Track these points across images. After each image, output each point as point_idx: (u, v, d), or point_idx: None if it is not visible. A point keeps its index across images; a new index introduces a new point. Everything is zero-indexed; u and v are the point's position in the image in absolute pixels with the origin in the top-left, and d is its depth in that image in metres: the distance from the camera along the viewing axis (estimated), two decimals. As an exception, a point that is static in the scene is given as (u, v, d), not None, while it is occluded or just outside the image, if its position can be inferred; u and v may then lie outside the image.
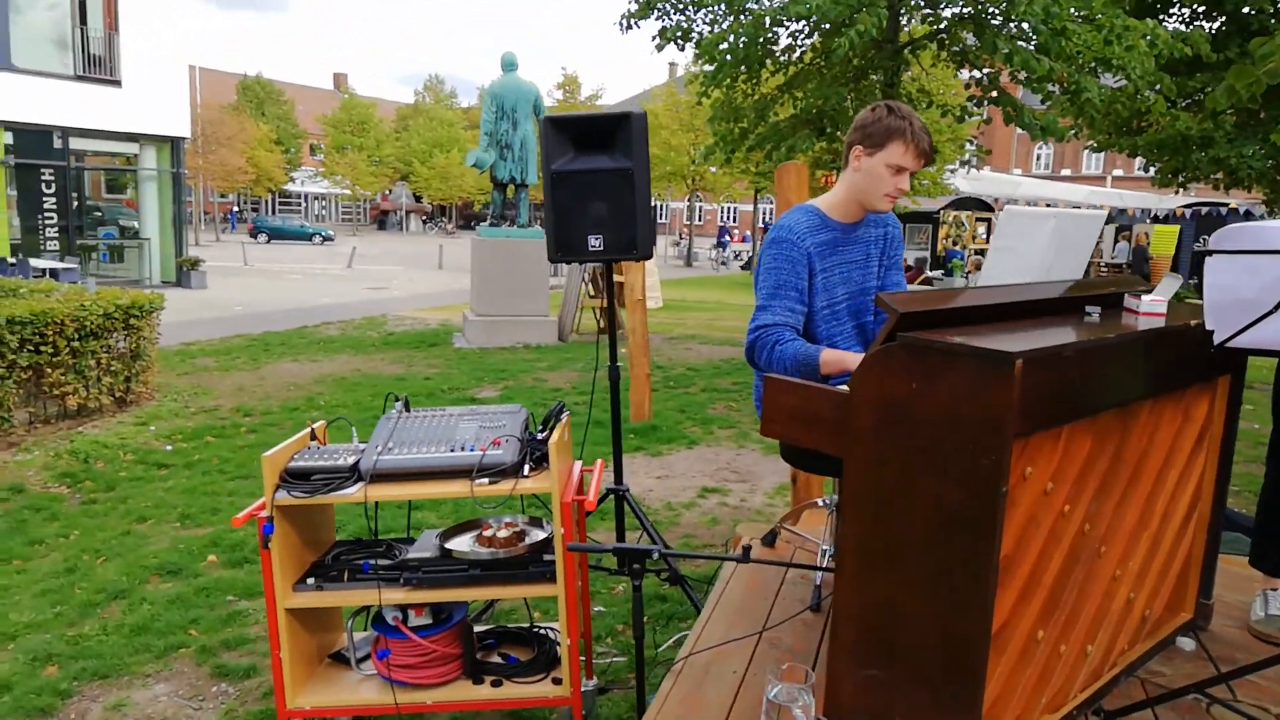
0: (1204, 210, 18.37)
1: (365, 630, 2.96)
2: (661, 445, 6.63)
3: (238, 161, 37.46)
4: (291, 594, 2.63)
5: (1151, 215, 20.83)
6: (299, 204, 58.83)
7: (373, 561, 2.72)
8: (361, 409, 7.91)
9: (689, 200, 34.19)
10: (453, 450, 2.66)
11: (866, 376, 1.72)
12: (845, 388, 1.79)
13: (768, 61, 8.90)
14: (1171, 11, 9.70)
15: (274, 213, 54.23)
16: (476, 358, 10.98)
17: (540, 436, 2.74)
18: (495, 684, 2.69)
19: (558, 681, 2.69)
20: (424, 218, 62.18)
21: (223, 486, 5.68)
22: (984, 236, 21.13)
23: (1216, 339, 1.92)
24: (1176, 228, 20.24)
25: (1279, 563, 2.54)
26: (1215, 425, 2.34)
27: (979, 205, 22.18)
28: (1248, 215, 15.73)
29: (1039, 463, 1.69)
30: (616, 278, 14.16)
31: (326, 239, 42.22)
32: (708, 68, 8.54)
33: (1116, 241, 22.22)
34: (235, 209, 52.46)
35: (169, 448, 6.59)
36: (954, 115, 8.85)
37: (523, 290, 12.22)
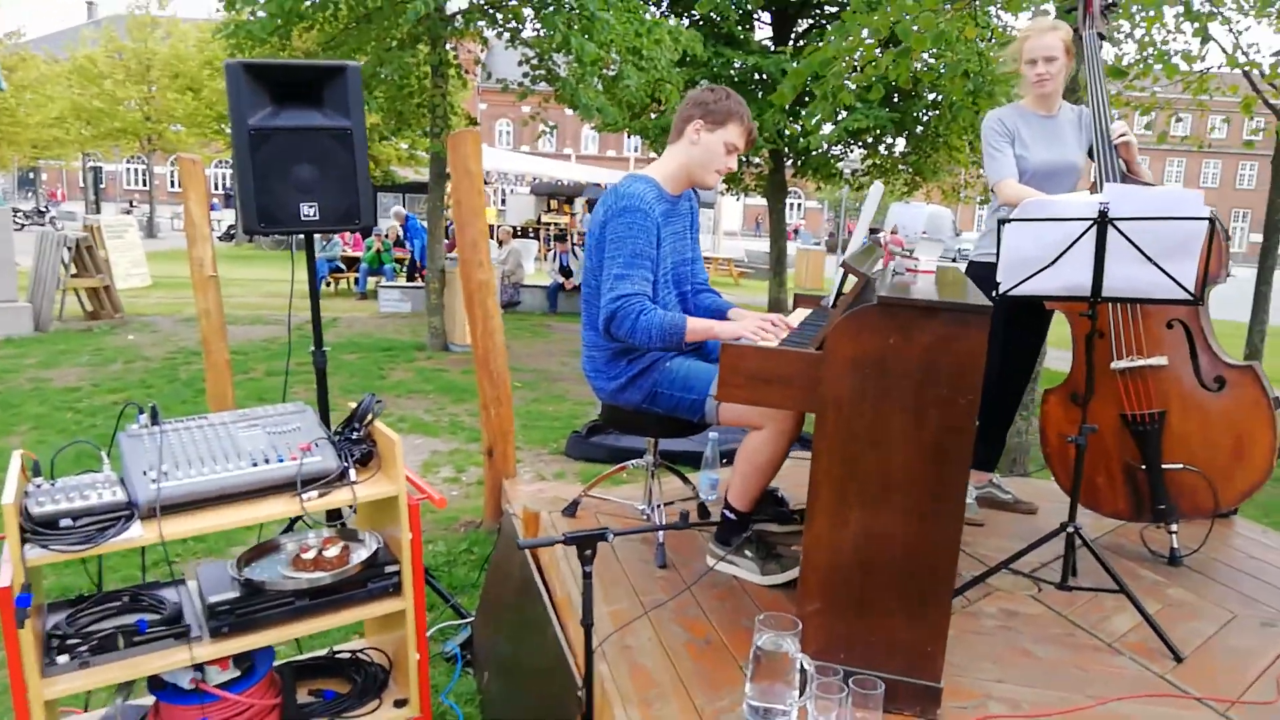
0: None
1: (108, 706, 2.30)
2: (264, 438, 5.93)
3: None
4: (44, 679, 1.95)
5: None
6: None
7: (148, 618, 2.13)
8: None
9: (145, 161, 29.74)
10: (255, 464, 2.20)
11: (842, 336, 1.87)
12: (814, 349, 1.93)
13: (302, 20, 8.30)
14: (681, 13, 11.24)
15: None
16: (-76, 358, 8.56)
17: (356, 435, 2.38)
18: (329, 725, 2.31)
19: (401, 703, 2.40)
20: None
21: None
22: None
23: (1002, 289, 2.44)
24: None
25: (980, 459, 3.26)
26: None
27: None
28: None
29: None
30: (100, 253, 12.01)
31: None
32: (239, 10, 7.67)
33: (585, 213, 24.89)
34: None
35: None
36: (516, 91, 9.13)
37: (-23, 270, 9.74)
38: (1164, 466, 2.80)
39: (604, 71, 8.69)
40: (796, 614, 1.98)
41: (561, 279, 13.05)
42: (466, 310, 4.23)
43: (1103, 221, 2.28)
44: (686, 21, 11.07)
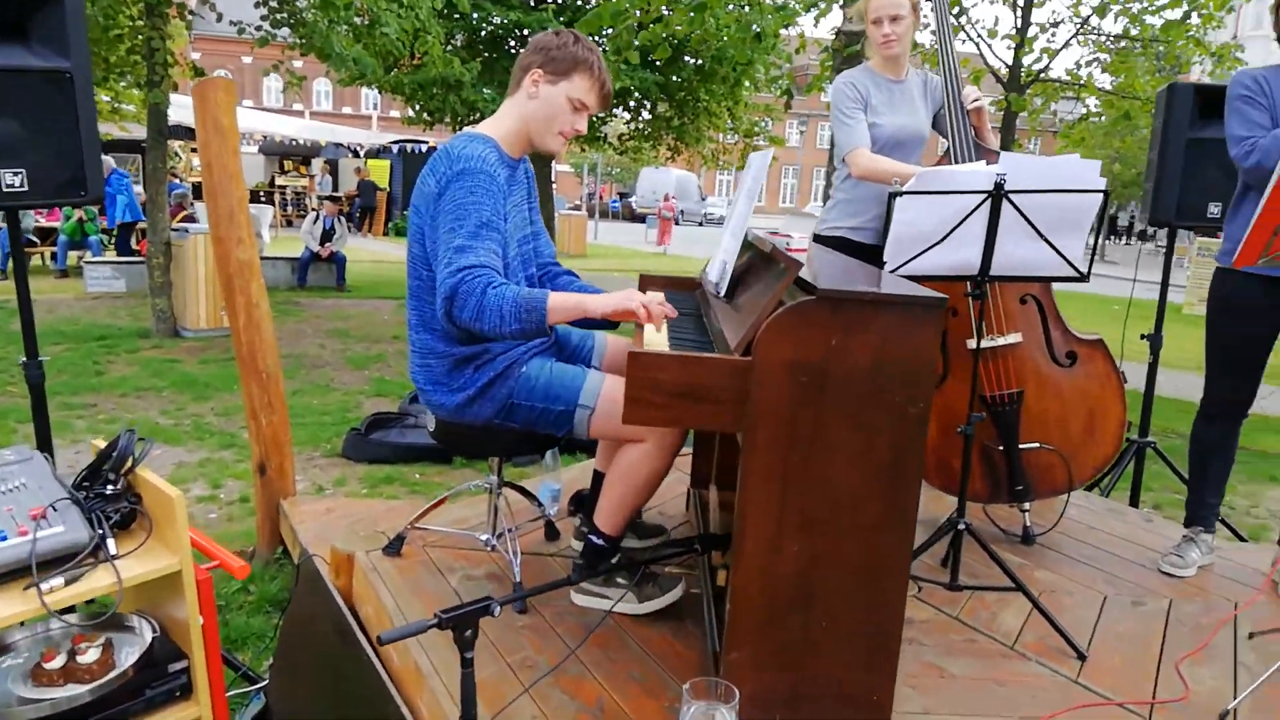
0: (408, 147, 20.27)
1: None
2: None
3: None
4: None
5: (366, 150, 22.11)
6: None
7: None
8: None
9: None
10: (-40, 543, 1.54)
11: (772, 340, 1.54)
12: (727, 354, 1.58)
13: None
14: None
15: None
16: None
17: (111, 489, 1.75)
18: None
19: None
20: None
21: None
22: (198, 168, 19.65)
23: (889, 267, 2.21)
24: (388, 161, 21.95)
25: None
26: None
27: (191, 134, 20.48)
28: (431, 150, 17.73)
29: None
30: None
31: None
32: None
33: (324, 175, 23.06)
34: None
35: None
36: (255, 39, 7.93)
37: None
38: (1021, 446, 2.75)
39: (355, 19, 7.80)
40: (723, 667, 1.66)
41: (317, 247, 11.70)
42: (225, 297, 3.49)
43: (997, 194, 2.11)
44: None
